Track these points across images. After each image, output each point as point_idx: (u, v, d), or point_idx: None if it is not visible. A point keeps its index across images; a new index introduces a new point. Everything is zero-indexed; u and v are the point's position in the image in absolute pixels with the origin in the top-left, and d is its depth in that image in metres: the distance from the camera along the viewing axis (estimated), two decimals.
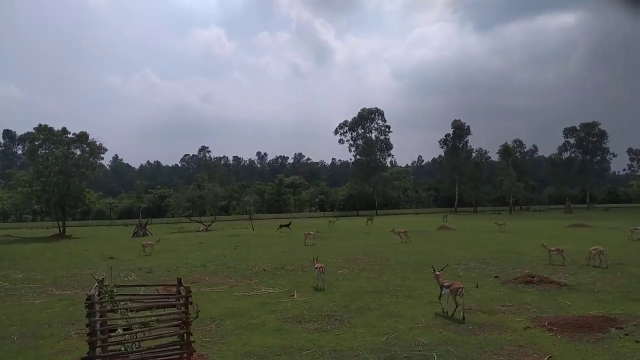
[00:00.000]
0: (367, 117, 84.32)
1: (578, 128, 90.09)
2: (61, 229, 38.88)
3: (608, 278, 13.46)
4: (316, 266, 12.84)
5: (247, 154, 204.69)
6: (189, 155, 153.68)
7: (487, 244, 23.93)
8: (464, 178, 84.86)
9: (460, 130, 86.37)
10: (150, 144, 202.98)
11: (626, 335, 7.94)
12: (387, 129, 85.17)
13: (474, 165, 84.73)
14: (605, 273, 14.34)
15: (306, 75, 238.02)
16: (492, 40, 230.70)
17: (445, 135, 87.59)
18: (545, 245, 17.59)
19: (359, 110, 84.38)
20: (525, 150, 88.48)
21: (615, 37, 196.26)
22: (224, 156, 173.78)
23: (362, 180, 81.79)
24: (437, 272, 10.70)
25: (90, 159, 39.75)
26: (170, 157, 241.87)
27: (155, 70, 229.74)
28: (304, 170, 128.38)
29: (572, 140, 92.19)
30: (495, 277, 14.04)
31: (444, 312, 9.77)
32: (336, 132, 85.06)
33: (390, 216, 69.13)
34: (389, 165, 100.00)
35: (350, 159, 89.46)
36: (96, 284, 6.36)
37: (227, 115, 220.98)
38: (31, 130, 38.39)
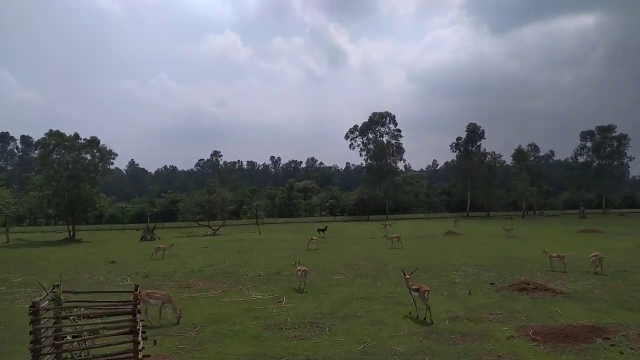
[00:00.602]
0: (378, 121, 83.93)
1: (595, 131, 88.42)
2: (71, 233, 39.39)
3: (607, 286, 13.12)
4: (298, 269, 13.44)
5: (262, 159, 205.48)
6: (203, 159, 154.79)
7: (491, 250, 23.56)
8: (476, 182, 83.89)
9: (474, 134, 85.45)
10: (167, 148, 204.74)
11: (612, 345, 7.68)
12: (398, 133, 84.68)
13: (487, 169, 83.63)
14: (605, 280, 13.99)
15: (320, 79, 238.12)
16: (507, 42, 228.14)
17: (457, 139, 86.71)
18: (546, 251, 17.25)
19: (370, 115, 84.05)
20: (541, 154, 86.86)
21: (634, 39, 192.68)
22: (238, 161, 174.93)
23: (373, 184, 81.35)
24: (407, 276, 10.80)
25: (101, 164, 40.26)
26: (186, 162, 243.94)
27: (172, 76, 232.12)
28: (316, 175, 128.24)
29: (588, 144, 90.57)
30: (491, 283, 13.77)
31: (410, 314, 10.08)
32: (347, 137, 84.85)
33: (401, 221, 68.53)
34: (403, 170, 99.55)
35: (361, 163, 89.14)
36: (51, 289, 6.25)
37: (242, 119, 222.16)
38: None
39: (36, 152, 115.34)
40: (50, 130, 39.20)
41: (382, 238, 32.12)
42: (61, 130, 39.45)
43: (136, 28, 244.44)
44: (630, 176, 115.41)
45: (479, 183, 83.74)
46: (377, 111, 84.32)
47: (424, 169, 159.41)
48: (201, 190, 60.14)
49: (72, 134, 39.64)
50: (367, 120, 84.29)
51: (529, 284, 12.61)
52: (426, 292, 9.68)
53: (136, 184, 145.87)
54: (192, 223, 52.16)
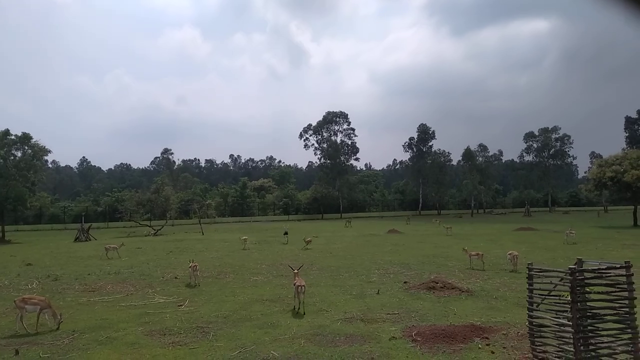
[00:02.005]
0: (332, 120, 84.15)
1: (537, 133, 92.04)
2: (0, 234, 37.23)
3: (515, 284, 13.34)
4: (190, 265, 14.16)
5: (222, 157, 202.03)
6: (159, 157, 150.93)
7: (424, 248, 23.84)
8: (428, 181, 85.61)
9: (425, 134, 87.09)
10: (123, 146, 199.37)
11: (487, 345, 7.67)
12: (352, 132, 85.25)
13: (437, 169, 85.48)
14: (516, 278, 14.25)
15: (282, 77, 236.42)
16: (466, 45, 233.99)
17: (410, 139, 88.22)
18: (466, 249, 17.56)
19: (324, 114, 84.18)
20: (490, 154, 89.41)
21: (586, 43, 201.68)
22: (195, 159, 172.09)
23: (327, 183, 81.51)
24: (295, 271, 11.14)
25: (34, 161, 38.24)
26: (143, 160, 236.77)
27: (129, 72, 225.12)
28: (273, 174, 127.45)
29: (534, 145, 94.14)
30: (405, 282, 13.78)
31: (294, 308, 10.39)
32: (301, 136, 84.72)
33: (354, 220, 68.94)
34: (363, 168, 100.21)
35: (316, 162, 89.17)
36: None
37: (202, 117, 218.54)
38: None
39: None
40: None
41: (325, 237, 32.03)
42: (10, 129, 37.20)
43: (90, 21, 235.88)
44: (579, 176, 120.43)
45: (430, 182, 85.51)
46: (335, 110, 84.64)
47: (384, 168, 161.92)
48: (141, 190, 58.49)
49: (2, 130, 37.43)
50: (321, 119, 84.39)
51: (438, 283, 12.66)
52: (299, 287, 10.07)
53: (88, 182, 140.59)
54: (135, 223, 50.52)
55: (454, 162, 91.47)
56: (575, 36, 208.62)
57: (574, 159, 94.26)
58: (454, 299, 11.38)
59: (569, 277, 5.80)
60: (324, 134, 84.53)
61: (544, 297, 6.60)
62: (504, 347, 7.54)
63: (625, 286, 5.94)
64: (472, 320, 9.27)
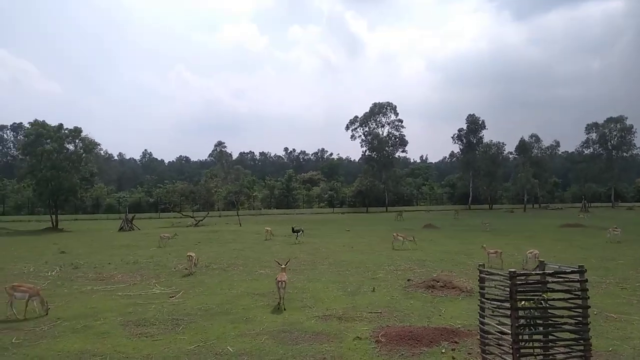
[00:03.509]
0: (379, 112, 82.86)
1: (600, 123, 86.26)
2: (53, 223, 39.76)
3: None
4: (188, 254, 15.24)
5: (278, 149, 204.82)
6: (216, 150, 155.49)
7: (449, 244, 22.99)
8: (479, 174, 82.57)
9: (474, 125, 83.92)
10: (184, 140, 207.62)
11: (452, 350, 7.23)
12: (399, 124, 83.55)
13: (489, 161, 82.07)
14: None
15: (337, 69, 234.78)
16: (530, 29, 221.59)
17: (459, 130, 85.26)
18: (485, 247, 16.70)
19: (371, 105, 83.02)
20: (544, 146, 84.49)
21: None
22: (250, 151, 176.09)
23: (372, 176, 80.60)
24: (283, 266, 11.10)
25: (84, 154, 40.49)
26: (203, 153, 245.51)
27: (189, 67, 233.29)
28: (323, 166, 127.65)
29: (593, 136, 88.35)
30: (408, 280, 13.30)
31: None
32: (347, 127, 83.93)
33: (392, 213, 67.80)
34: (417, 161, 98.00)
35: (354, 154, 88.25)
36: None
37: (258, 110, 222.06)
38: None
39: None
40: (35, 120, 39.59)
41: (361, 231, 31.71)
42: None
43: (152, 20, 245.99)
44: None
45: (481, 175, 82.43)
46: (383, 101, 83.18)
47: (440, 160, 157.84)
48: (187, 182, 60.50)
49: (56, 125, 39.90)
50: (367, 111, 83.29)
51: (438, 282, 12.12)
52: (280, 282, 10.08)
53: (150, 174, 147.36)
54: (179, 214, 52.44)
55: (510, 154, 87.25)
56: None
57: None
58: (449, 300, 10.85)
59: (508, 281, 5.29)
60: (371, 125, 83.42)
61: (498, 303, 6.08)
62: (469, 353, 7.06)
63: (579, 293, 5.36)
64: (455, 323, 8.79)
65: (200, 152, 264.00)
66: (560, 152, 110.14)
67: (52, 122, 39.98)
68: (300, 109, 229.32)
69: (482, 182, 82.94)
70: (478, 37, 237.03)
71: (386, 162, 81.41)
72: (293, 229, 26.10)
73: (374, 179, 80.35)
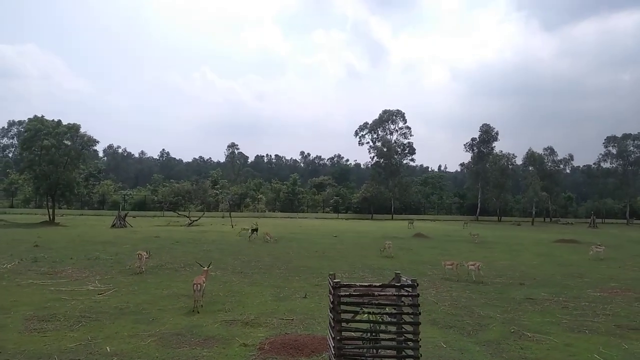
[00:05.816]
0: (388, 119, 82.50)
1: (619, 137, 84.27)
2: (50, 217, 40.45)
3: (466, 296, 12.24)
4: (138, 252, 15.29)
5: (294, 154, 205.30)
6: (229, 151, 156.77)
7: (426, 254, 22.58)
8: (489, 185, 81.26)
9: (487, 135, 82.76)
10: (205, 140, 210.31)
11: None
12: (408, 131, 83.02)
13: (498, 172, 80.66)
14: (476, 290, 13.10)
15: (360, 75, 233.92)
16: (560, 40, 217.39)
17: (472, 139, 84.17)
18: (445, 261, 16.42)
19: (380, 112, 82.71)
20: (557, 158, 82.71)
21: None
22: (267, 154, 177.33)
23: (379, 183, 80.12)
24: (205, 268, 11.13)
25: (83, 150, 41.20)
26: (221, 154, 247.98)
27: (213, 69, 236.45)
28: (334, 171, 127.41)
29: (613, 150, 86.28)
30: None
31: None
32: (356, 134, 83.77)
33: (403, 221, 67.26)
34: (435, 170, 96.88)
35: (369, 161, 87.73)
36: None
37: (279, 113, 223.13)
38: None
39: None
40: (35, 116, 40.47)
41: (349, 238, 31.48)
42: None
43: (180, 20, 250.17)
44: None
45: (491, 186, 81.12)
46: (387, 109, 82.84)
47: (457, 170, 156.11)
48: (185, 181, 61.12)
49: (55, 120, 40.70)
50: (377, 118, 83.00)
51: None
52: (195, 285, 10.07)
53: (166, 173, 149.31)
54: (173, 212, 53.00)
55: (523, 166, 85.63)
56: None
57: None
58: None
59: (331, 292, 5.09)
60: (380, 132, 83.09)
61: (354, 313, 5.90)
62: None
63: (410, 309, 5.13)
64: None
65: (219, 153, 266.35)
66: (581, 166, 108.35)
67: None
68: (322, 114, 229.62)
69: (492, 193, 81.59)
70: (504, 47, 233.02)
71: (393, 170, 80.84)
72: (251, 228, 27.84)
73: (380, 186, 79.80)
